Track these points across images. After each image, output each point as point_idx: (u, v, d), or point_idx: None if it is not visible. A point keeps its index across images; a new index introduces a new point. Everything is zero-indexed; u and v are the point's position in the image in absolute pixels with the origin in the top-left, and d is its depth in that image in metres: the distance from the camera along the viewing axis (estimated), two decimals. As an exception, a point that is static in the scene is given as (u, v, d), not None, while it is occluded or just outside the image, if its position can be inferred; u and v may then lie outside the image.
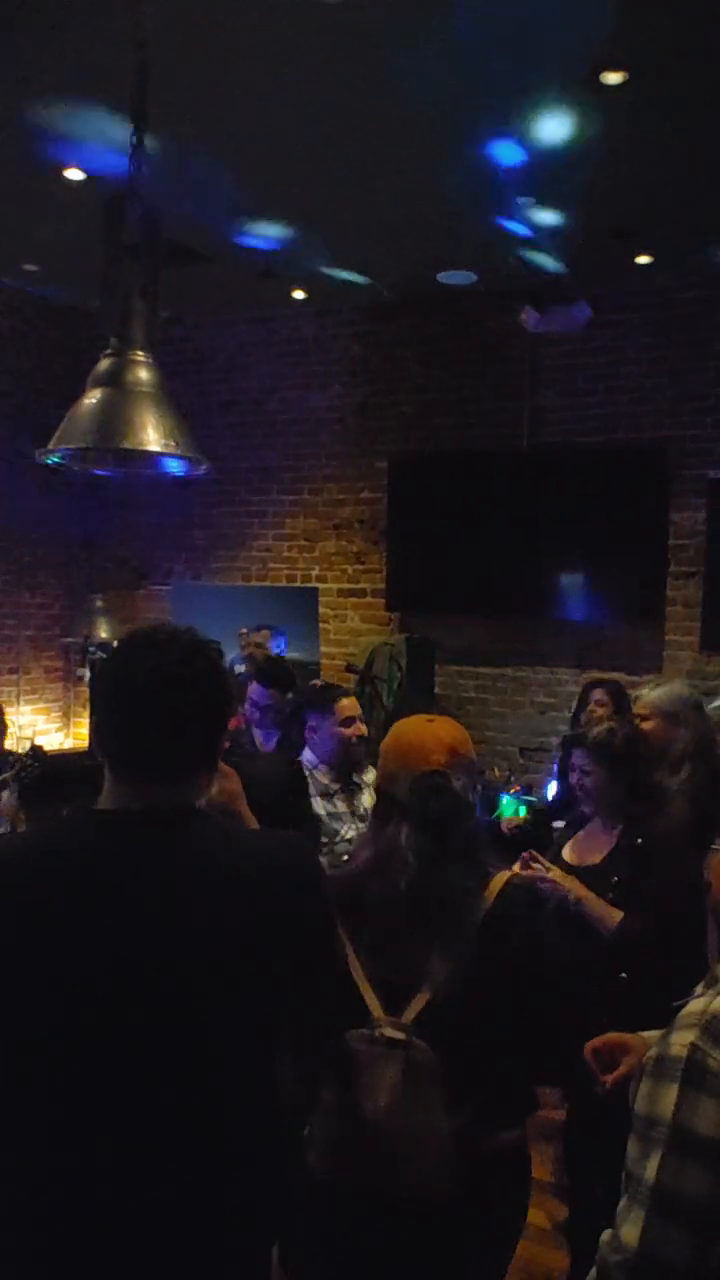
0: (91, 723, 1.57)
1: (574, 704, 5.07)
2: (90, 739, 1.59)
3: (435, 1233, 1.92)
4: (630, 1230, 1.40)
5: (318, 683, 4.17)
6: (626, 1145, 1.47)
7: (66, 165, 4.47)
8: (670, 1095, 1.40)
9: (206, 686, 1.52)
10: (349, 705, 3.56)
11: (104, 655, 1.55)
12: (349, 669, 6.04)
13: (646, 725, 3.46)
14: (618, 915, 2.78)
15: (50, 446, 2.90)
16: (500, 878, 1.98)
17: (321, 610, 6.66)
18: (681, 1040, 1.43)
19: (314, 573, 6.76)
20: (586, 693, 4.75)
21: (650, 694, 3.62)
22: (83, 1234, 1.40)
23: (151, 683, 1.48)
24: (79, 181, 4.59)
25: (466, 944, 1.86)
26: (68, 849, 1.48)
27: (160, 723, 1.49)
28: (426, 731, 2.05)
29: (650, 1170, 1.39)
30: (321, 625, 6.64)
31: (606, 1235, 1.44)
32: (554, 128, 3.99)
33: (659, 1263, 1.37)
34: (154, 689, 1.48)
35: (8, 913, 1.41)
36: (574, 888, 2.82)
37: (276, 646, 5.76)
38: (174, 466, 3.07)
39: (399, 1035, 1.85)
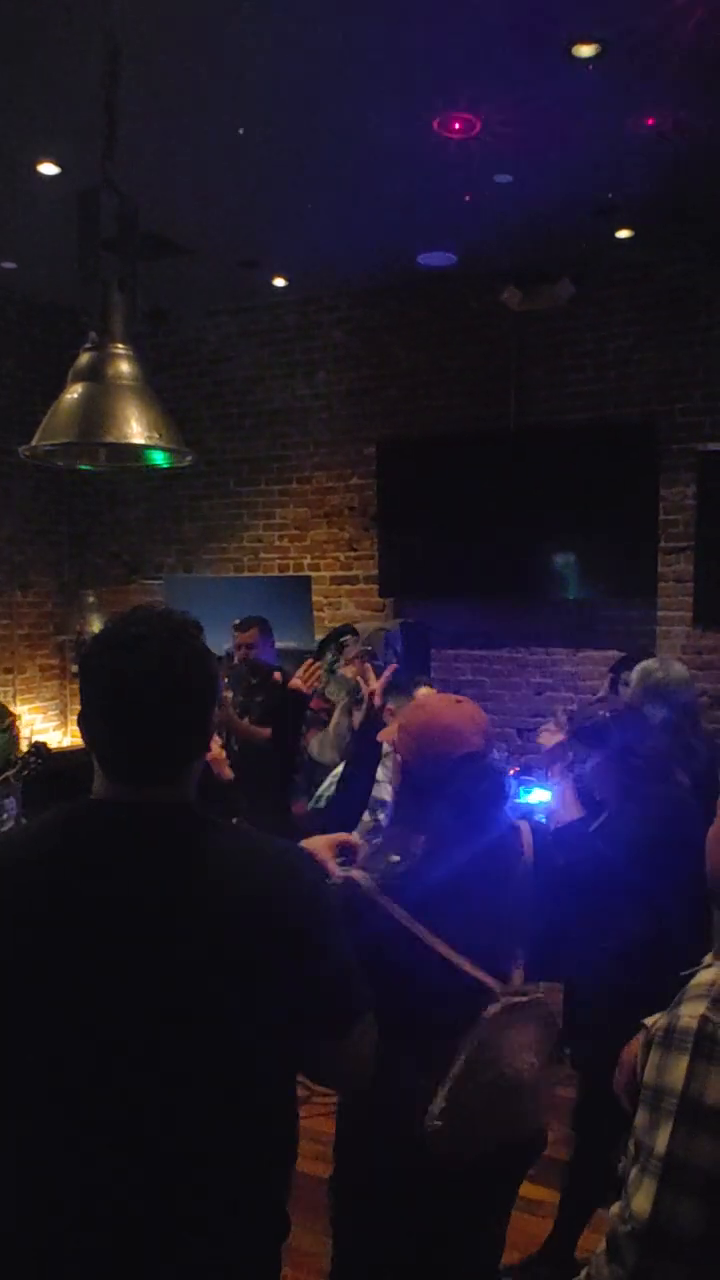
0: (78, 719, 1.54)
1: (603, 685, 5.06)
2: (81, 731, 1.57)
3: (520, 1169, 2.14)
4: (641, 1201, 1.40)
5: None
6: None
7: (39, 159, 4.45)
8: (680, 1066, 1.40)
9: (193, 681, 1.48)
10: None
11: (85, 649, 1.50)
12: (344, 656, 6.02)
13: (626, 692, 3.61)
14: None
15: (34, 443, 2.88)
16: (524, 827, 2.13)
17: (315, 599, 6.65)
18: (692, 1011, 1.43)
19: (306, 561, 6.75)
20: (618, 674, 4.76)
21: (637, 667, 3.73)
22: (84, 1233, 1.40)
23: (136, 689, 1.44)
24: (52, 176, 4.56)
25: (539, 900, 2.02)
26: (59, 843, 1.47)
27: (150, 728, 1.46)
28: (461, 713, 2.09)
29: (660, 1141, 1.39)
30: (316, 614, 6.63)
31: (616, 1207, 1.45)
32: (527, 102, 3.96)
33: (670, 1233, 1.37)
34: (139, 695, 1.44)
35: (5, 903, 1.41)
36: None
37: (264, 654, 5.70)
38: (159, 458, 3.04)
39: (535, 992, 1.99)
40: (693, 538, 5.59)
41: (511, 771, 5.64)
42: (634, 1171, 1.43)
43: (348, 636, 4.48)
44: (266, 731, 5.23)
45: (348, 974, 1.54)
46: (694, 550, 5.58)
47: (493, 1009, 1.94)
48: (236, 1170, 1.46)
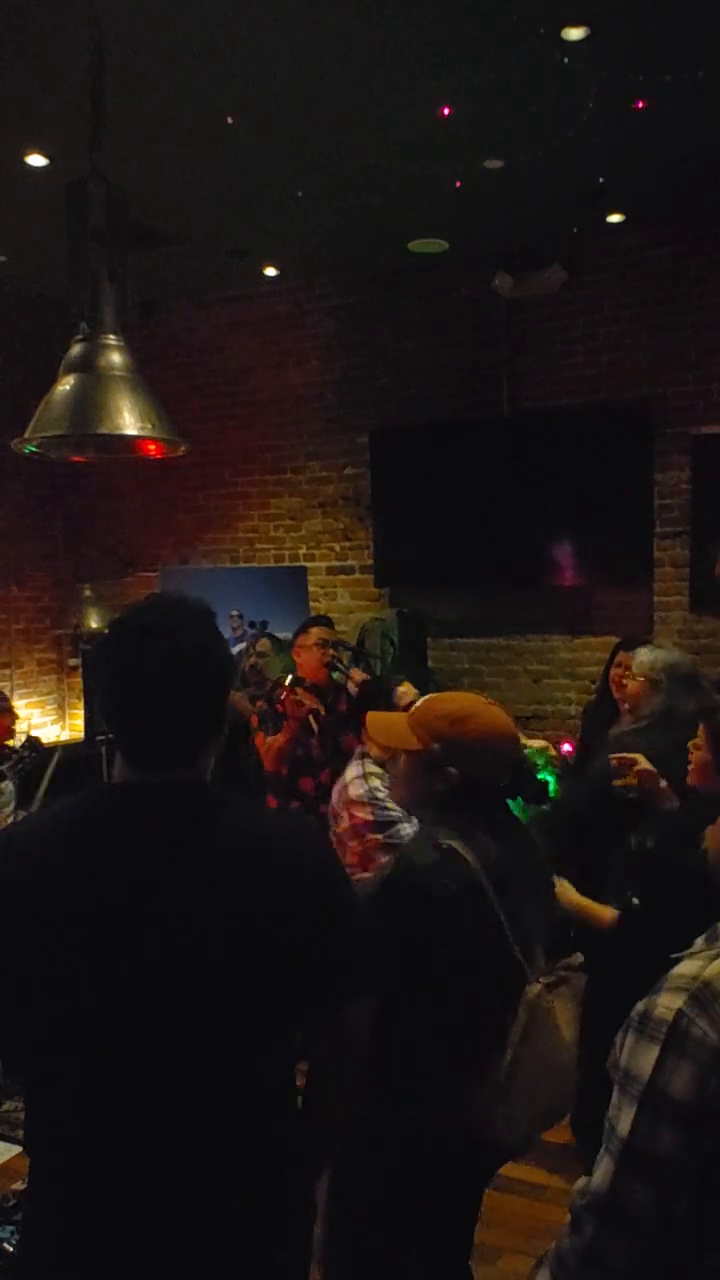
0: (96, 706, 1.57)
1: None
2: (99, 715, 1.61)
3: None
4: (601, 1177, 1.45)
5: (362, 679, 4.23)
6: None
7: (27, 151, 4.43)
8: (650, 1055, 1.43)
9: (211, 666, 1.53)
10: (407, 691, 3.57)
11: (101, 639, 1.55)
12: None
13: (632, 684, 3.56)
14: None
15: (26, 435, 2.88)
16: None
17: (311, 589, 6.65)
18: (668, 1003, 1.45)
19: (301, 552, 6.75)
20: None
21: (643, 656, 3.71)
22: (106, 1200, 1.43)
23: (155, 678, 1.48)
24: (41, 167, 4.54)
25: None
26: (81, 825, 1.51)
27: (171, 714, 1.50)
28: (501, 716, 2.16)
29: (624, 1124, 1.43)
30: (312, 604, 6.62)
31: (581, 1182, 1.50)
32: (517, 86, 3.95)
33: (625, 1212, 1.41)
34: (161, 682, 1.48)
35: (24, 883, 1.44)
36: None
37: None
38: (152, 449, 3.04)
39: (560, 974, 2.08)
40: (688, 521, 5.58)
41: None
42: (602, 1149, 1.47)
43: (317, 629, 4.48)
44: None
45: (359, 950, 1.58)
46: (689, 534, 5.58)
47: (534, 989, 2.02)
48: (252, 1129, 1.49)
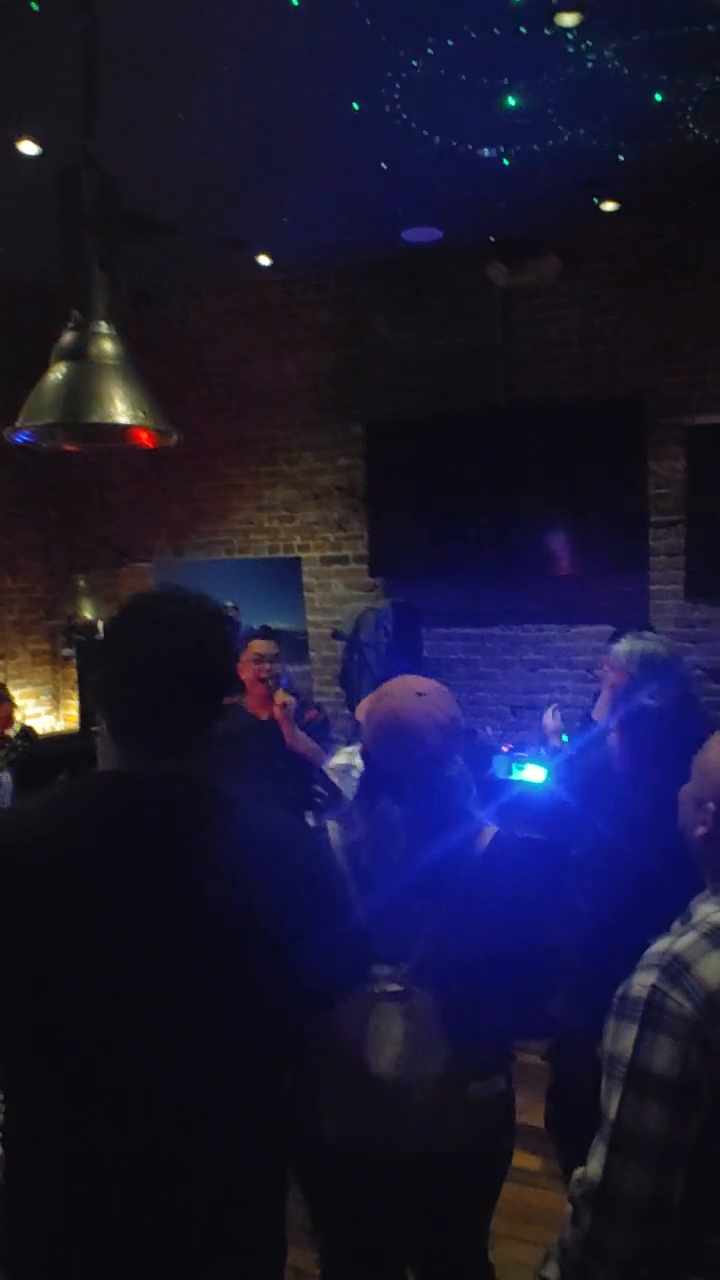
0: (92, 691, 1.57)
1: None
2: (94, 702, 1.61)
3: (441, 1183, 1.99)
4: (595, 1165, 1.45)
5: None
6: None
7: (19, 138, 4.40)
8: (630, 1035, 1.44)
9: (219, 666, 1.56)
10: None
11: (112, 624, 1.56)
12: (335, 636, 6.05)
13: (613, 675, 3.59)
14: None
15: (17, 424, 2.86)
16: (489, 831, 2.05)
17: (306, 579, 6.65)
18: (643, 981, 1.47)
19: (296, 542, 6.74)
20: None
21: (620, 647, 3.73)
22: (88, 1195, 1.43)
23: (167, 668, 1.50)
24: (33, 156, 4.52)
25: (455, 901, 1.93)
26: (74, 816, 1.51)
27: (175, 706, 1.51)
28: (419, 709, 2.02)
29: (612, 1108, 1.44)
30: (306, 594, 6.63)
31: (578, 1172, 1.49)
32: (510, 72, 3.93)
33: (621, 1196, 1.42)
34: (170, 674, 1.50)
35: (20, 869, 1.44)
36: None
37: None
38: (144, 439, 3.03)
39: (398, 987, 1.90)
40: (683, 511, 5.58)
41: (505, 749, 5.67)
42: (596, 1136, 1.47)
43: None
44: None
45: (346, 939, 1.59)
46: (684, 524, 5.58)
47: (356, 997, 1.89)
48: (241, 1115, 1.50)
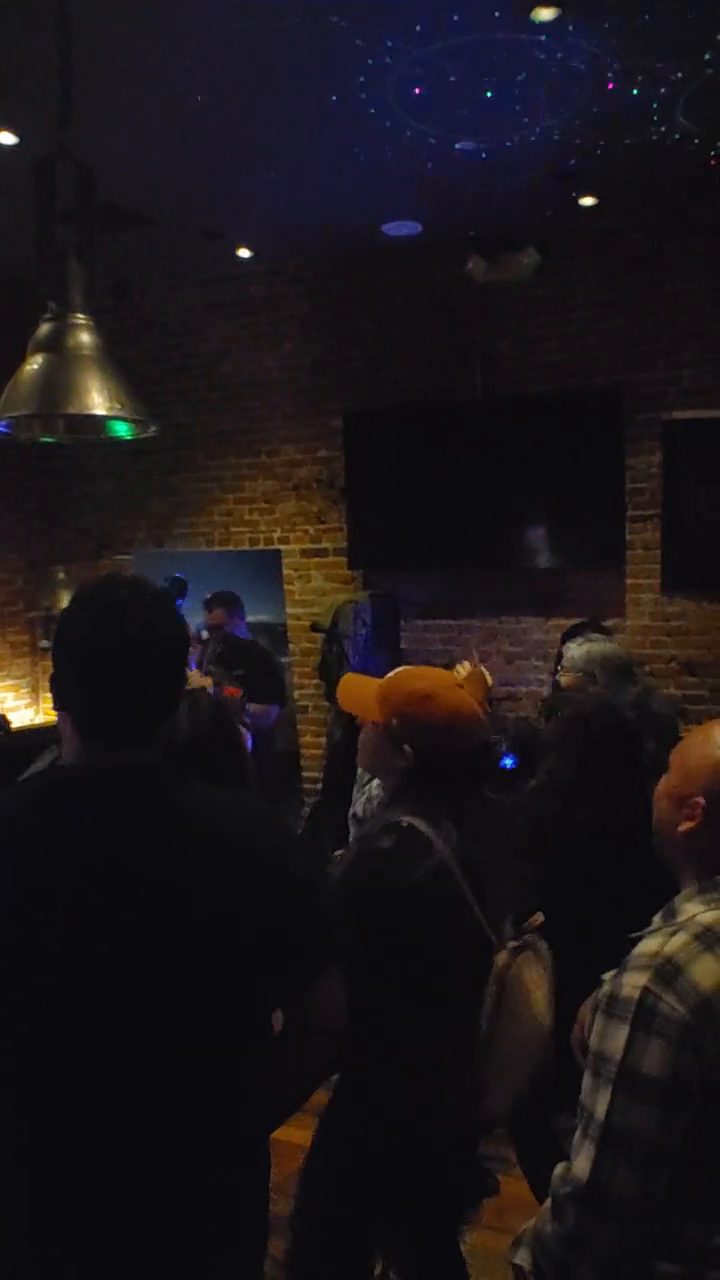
0: (52, 680, 1.57)
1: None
2: (51, 694, 1.59)
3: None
4: (582, 1163, 1.45)
5: None
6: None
7: (-3, 129, 4.39)
8: (621, 1035, 1.44)
9: (172, 650, 1.55)
10: None
11: (67, 614, 1.56)
12: (314, 628, 6.06)
13: (566, 679, 3.64)
14: None
15: (-7, 416, 2.86)
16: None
17: (285, 572, 6.65)
18: (633, 982, 1.46)
19: (276, 534, 6.74)
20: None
21: (573, 651, 3.77)
22: (56, 1200, 1.42)
23: (118, 655, 1.48)
24: (10, 146, 4.51)
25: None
26: (36, 812, 1.50)
27: (129, 693, 1.50)
28: (465, 700, 2.15)
29: (600, 1108, 1.44)
30: (286, 587, 6.63)
31: (561, 1168, 1.49)
32: (488, 66, 3.94)
33: (610, 1195, 1.42)
34: (122, 661, 1.48)
35: None
36: None
37: (236, 630, 5.75)
38: (122, 430, 3.03)
39: (534, 924, 2.12)
40: (659, 505, 5.62)
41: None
42: (578, 1133, 1.47)
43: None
44: (254, 706, 5.32)
45: (320, 925, 1.58)
46: (660, 518, 5.62)
47: (501, 958, 2.05)
48: (215, 1115, 1.48)
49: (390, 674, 2.28)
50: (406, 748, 2.10)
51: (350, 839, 3.20)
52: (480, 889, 2.05)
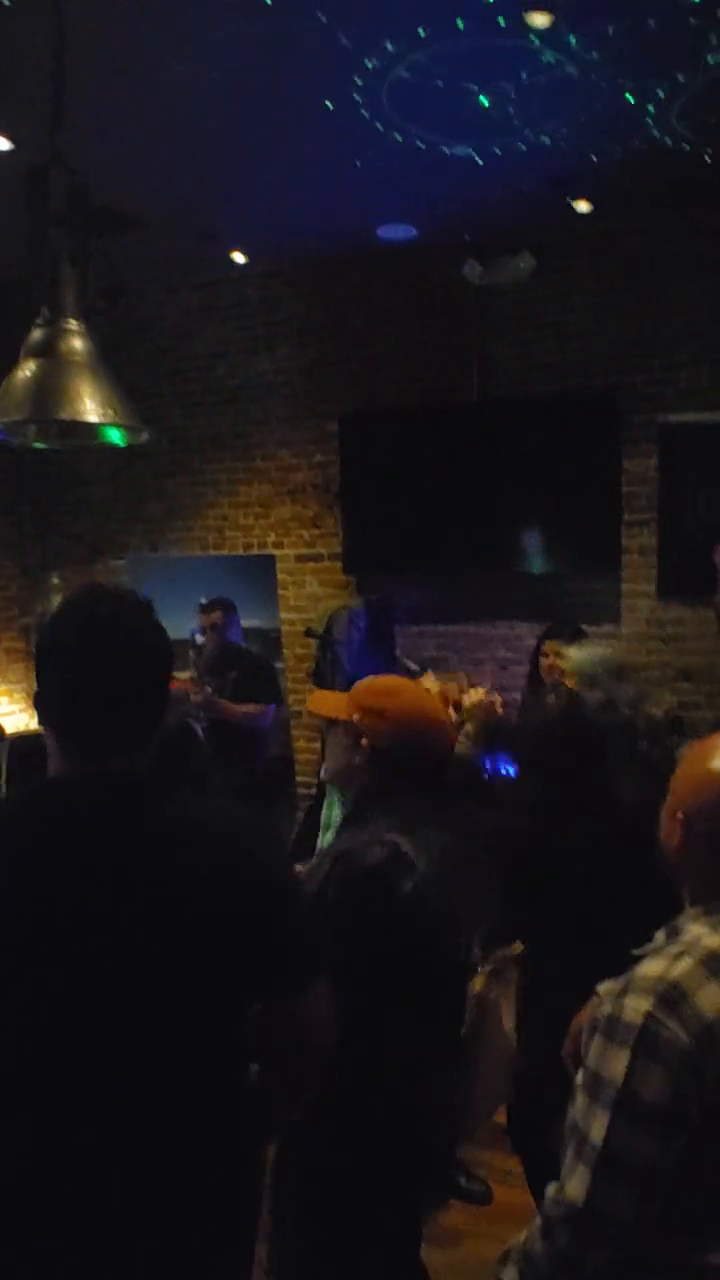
0: (36, 698, 1.56)
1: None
2: (35, 705, 1.58)
3: None
4: (575, 1186, 1.43)
5: None
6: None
7: (-10, 133, 4.38)
8: (622, 1059, 1.42)
9: (156, 661, 1.54)
10: None
11: (51, 626, 1.56)
12: (308, 634, 6.04)
13: (569, 682, 3.68)
14: None
15: (-15, 422, 2.84)
16: None
17: (280, 577, 6.63)
18: (636, 1006, 1.44)
19: (270, 539, 6.72)
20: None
21: (575, 654, 3.78)
22: (56, 1200, 1.41)
23: (104, 666, 1.48)
24: (4, 151, 4.49)
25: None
26: (24, 827, 1.49)
27: (114, 704, 1.50)
28: (429, 702, 2.19)
29: (597, 1131, 1.42)
30: (280, 592, 6.61)
31: (553, 1189, 1.47)
32: (482, 72, 3.93)
33: (606, 1219, 1.41)
34: (107, 672, 1.48)
35: None
36: None
37: (231, 634, 5.74)
38: (115, 436, 3.01)
39: (511, 954, 2.24)
40: (656, 509, 5.60)
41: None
42: (569, 1154, 1.46)
43: None
44: (249, 707, 5.33)
45: (303, 937, 1.58)
46: (657, 522, 5.60)
47: (479, 981, 2.09)
48: (215, 1115, 1.48)
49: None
50: (364, 741, 2.08)
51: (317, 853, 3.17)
52: (455, 903, 2.02)
